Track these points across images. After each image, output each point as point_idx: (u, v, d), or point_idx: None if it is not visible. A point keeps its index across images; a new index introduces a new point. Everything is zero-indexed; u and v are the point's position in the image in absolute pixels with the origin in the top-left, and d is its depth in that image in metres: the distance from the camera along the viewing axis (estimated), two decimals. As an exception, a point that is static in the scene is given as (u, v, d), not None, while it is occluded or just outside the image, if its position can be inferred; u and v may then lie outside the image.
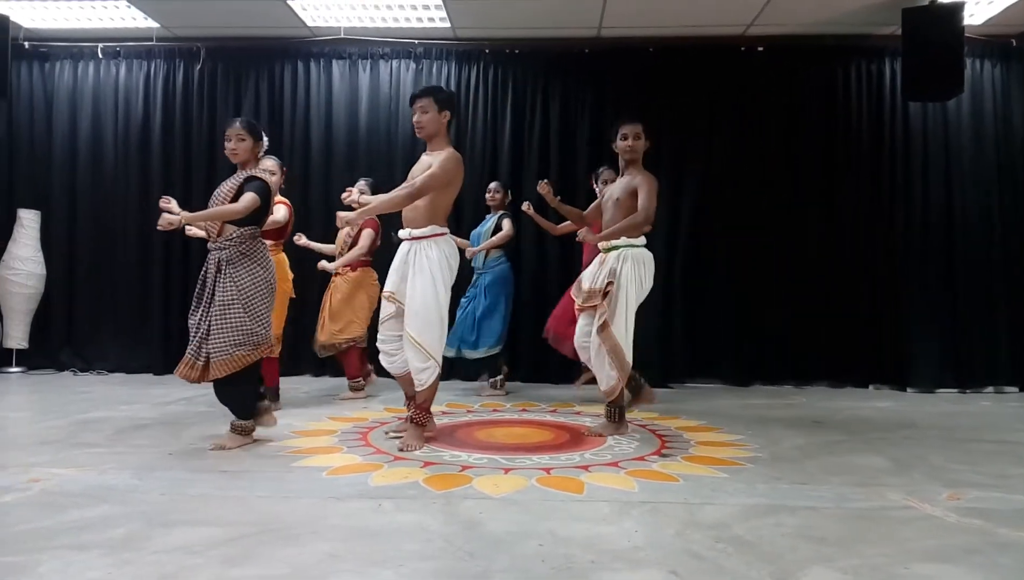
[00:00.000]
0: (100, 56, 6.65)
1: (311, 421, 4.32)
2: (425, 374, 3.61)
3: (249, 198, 3.50)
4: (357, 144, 6.52)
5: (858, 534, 2.40)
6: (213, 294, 3.47)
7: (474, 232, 5.66)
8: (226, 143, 3.68)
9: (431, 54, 6.55)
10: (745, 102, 6.36)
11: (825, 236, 6.27)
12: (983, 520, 2.53)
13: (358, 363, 5.31)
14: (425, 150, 3.81)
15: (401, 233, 3.76)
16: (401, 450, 3.53)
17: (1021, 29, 6.15)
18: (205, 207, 3.65)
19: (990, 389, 6.08)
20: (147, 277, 6.57)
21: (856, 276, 6.24)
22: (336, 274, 5.21)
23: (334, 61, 6.59)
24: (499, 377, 5.56)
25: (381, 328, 3.82)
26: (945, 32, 5.37)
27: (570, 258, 6.04)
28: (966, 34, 5.51)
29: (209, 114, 6.62)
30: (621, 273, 3.89)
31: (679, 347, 6.29)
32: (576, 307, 4.21)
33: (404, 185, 3.73)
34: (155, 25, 6.33)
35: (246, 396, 3.61)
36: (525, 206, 5.10)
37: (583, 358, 4.30)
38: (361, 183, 5.25)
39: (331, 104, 6.58)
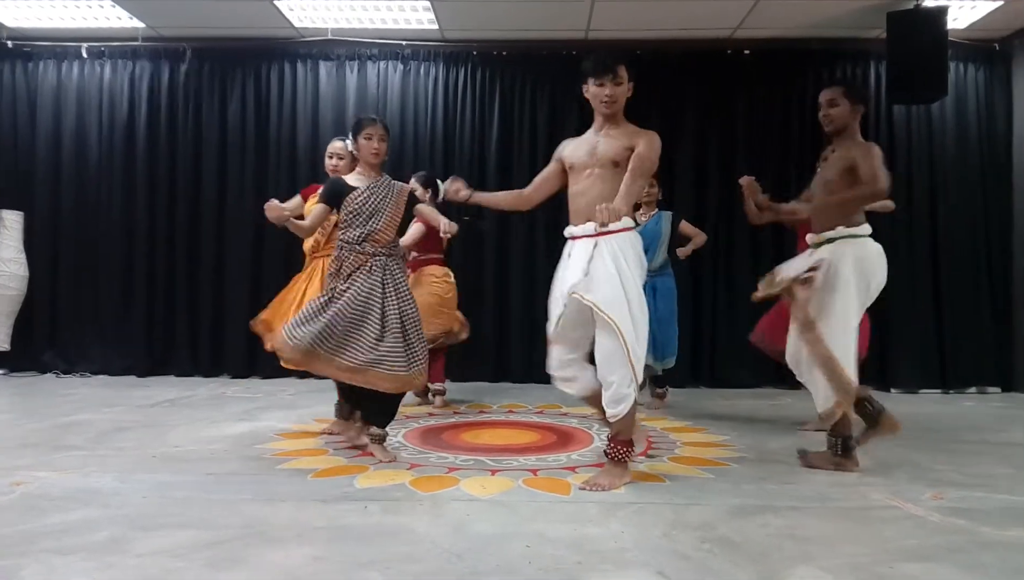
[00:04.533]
0: (85, 56, 6.59)
1: (296, 423, 4.30)
2: (629, 398, 2.89)
3: (431, 209, 3.58)
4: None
5: (843, 534, 2.41)
6: (398, 300, 3.36)
7: (643, 229, 4.89)
8: (365, 141, 3.45)
9: (419, 55, 6.55)
10: (732, 105, 6.39)
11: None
12: (966, 519, 2.55)
13: (441, 368, 5.05)
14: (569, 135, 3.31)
15: (577, 230, 3.05)
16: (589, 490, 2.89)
17: (1004, 33, 6.22)
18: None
19: (973, 389, 6.14)
20: (131, 279, 6.52)
21: (841, 278, 6.27)
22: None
23: (321, 62, 6.57)
24: (667, 387, 5.17)
25: (564, 344, 3.06)
26: (929, 36, 5.42)
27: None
28: (950, 38, 5.57)
29: (195, 115, 6.58)
30: (839, 270, 3.17)
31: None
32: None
33: (593, 172, 3.09)
34: (140, 25, 6.29)
35: (396, 406, 3.54)
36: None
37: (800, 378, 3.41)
38: (413, 181, 4.96)
39: (318, 105, 6.55)
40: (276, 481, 3.03)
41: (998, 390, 6.11)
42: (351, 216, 3.44)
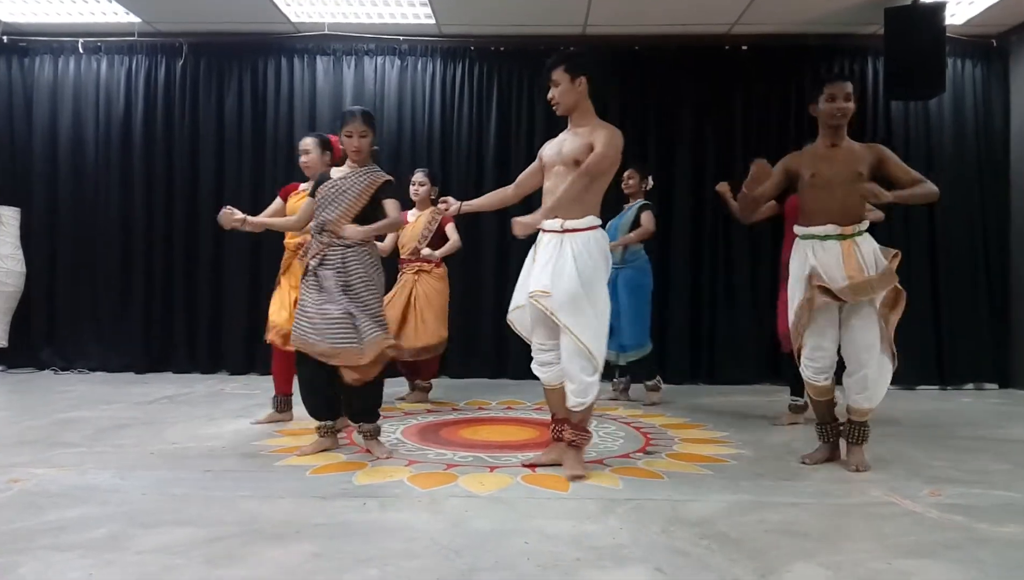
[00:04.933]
0: (81, 51, 6.56)
1: (294, 420, 4.29)
2: (586, 390, 3.03)
3: (396, 205, 3.44)
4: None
5: (840, 530, 2.42)
6: (350, 289, 3.32)
7: (610, 224, 4.98)
8: (345, 139, 3.42)
9: (416, 51, 6.53)
10: (729, 101, 6.39)
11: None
12: (963, 516, 2.56)
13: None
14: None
15: (548, 224, 3.14)
16: (569, 479, 3.02)
17: (1001, 29, 6.22)
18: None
19: (970, 386, 6.14)
20: (129, 275, 6.50)
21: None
22: (418, 271, 4.87)
23: (318, 57, 6.55)
24: (657, 379, 5.17)
25: (534, 335, 3.24)
26: (927, 32, 5.41)
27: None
28: (947, 34, 5.56)
29: (191, 110, 6.55)
30: (878, 260, 3.25)
31: (673, 346, 6.31)
32: (819, 303, 3.21)
33: (558, 170, 3.17)
34: (136, 20, 6.26)
35: (380, 392, 3.51)
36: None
37: (822, 380, 3.36)
38: (419, 174, 5.07)
39: (315, 101, 6.53)
40: (274, 478, 3.03)
41: (995, 387, 6.12)
42: (318, 206, 3.45)
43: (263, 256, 6.41)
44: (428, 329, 4.80)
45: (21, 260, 6.43)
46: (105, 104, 6.58)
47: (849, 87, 3.27)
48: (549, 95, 3.21)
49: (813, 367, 3.31)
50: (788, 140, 6.34)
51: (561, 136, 3.26)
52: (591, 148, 3.07)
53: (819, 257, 3.24)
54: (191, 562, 2.06)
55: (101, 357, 6.44)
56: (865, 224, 3.32)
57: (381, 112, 6.47)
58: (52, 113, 6.59)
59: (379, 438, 3.50)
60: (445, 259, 5.02)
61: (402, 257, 5.00)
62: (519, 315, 3.27)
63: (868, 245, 3.28)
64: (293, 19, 6.21)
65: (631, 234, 5.03)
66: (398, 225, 3.72)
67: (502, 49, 6.48)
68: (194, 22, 6.29)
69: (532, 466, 3.23)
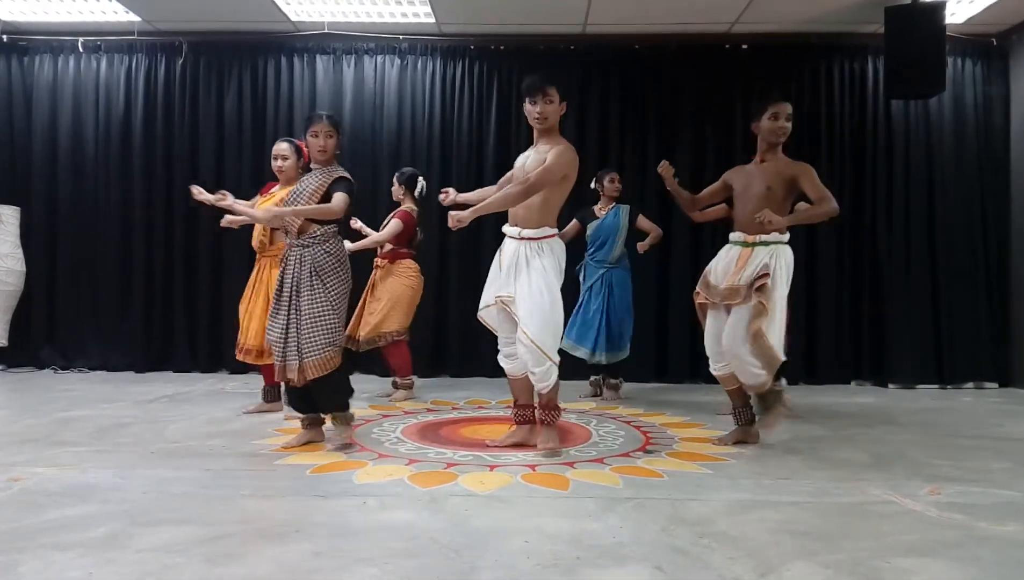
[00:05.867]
0: (80, 50, 6.55)
1: (295, 418, 4.29)
2: (547, 375, 3.40)
3: (342, 199, 3.43)
4: (343, 133, 6.47)
5: (840, 529, 2.42)
6: (299, 295, 3.41)
7: (597, 225, 5.22)
8: (310, 139, 3.55)
9: (416, 50, 6.52)
10: (730, 100, 6.38)
11: (807, 232, 6.31)
12: (963, 515, 2.56)
13: (409, 359, 5.17)
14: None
15: (508, 230, 3.56)
16: (546, 455, 3.38)
17: (1001, 28, 6.21)
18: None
19: (970, 385, 6.14)
20: (129, 274, 6.49)
21: (837, 272, 6.28)
22: (376, 267, 5.12)
23: (318, 56, 6.54)
24: (620, 378, 5.32)
25: (500, 329, 3.61)
26: (927, 30, 5.41)
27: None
28: (947, 33, 5.56)
29: (191, 109, 6.54)
30: (777, 270, 3.55)
31: (673, 345, 6.31)
32: (700, 303, 3.83)
33: (517, 181, 3.50)
34: (136, 19, 6.26)
35: (344, 388, 3.59)
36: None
37: (718, 369, 3.75)
38: (395, 178, 5.23)
39: (315, 100, 6.51)
40: (274, 476, 3.03)
41: (995, 385, 6.11)
42: (287, 204, 3.57)
43: (263, 255, 6.42)
44: (373, 319, 4.95)
45: (21, 259, 6.42)
46: (105, 103, 6.57)
47: (790, 108, 3.68)
48: (539, 109, 3.46)
49: (711, 357, 3.77)
50: (788, 139, 6.34)
51: (530, 150, 3.59)
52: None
53: (720, 260, 3.76)
54: (191, 561, 2.07)
55: (101, 356, 6.43)
56: (775, 236, 3.62)
57: (381, 111, 6.47)
58: (52, 112, 6.58)
59: (350, 424, 3.63)
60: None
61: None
62: (488, 313, 3.63)
63: (763, 255, 3.59)
64: (293, 18, 6.21)
65: (654, 234, 5.28)
66: (327, 212, 3.46)
67: (502, 48, 6.47)
68: (194, 21, 6.28)
69: (499, 446, 3.55)
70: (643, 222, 5.30)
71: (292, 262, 3.47)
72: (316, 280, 3.42)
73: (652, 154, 6.35)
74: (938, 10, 5.42)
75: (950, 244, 6.24)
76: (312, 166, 3.66)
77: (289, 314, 3.43)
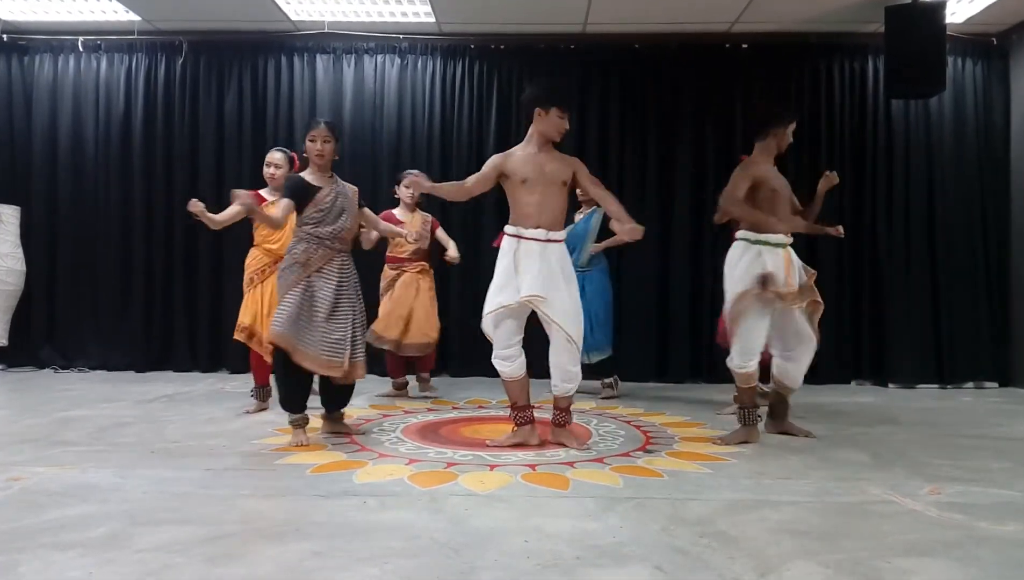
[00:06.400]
0: (81, 50, 6.56)
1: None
2: (578, 375, 3.59)
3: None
4: (341, 139, 6.46)
5: (840, 528, 2.42)
6: (352, 299, 3.68)
7: (570, 231, 5.04)
8: (308, 144, 3.66)
9: (416, 49, 6.52)
10: (730, 100, 6.38)
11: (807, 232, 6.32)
12: (963, 514, 2.56)
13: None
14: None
15: (535, 233, 3.52)
16: (584, 451, 3.53)
17: (1001, 28, 6.21)
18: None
19: (970, 384, 6.14)
20: (129, 273, 6.50)
21: (838, 272, 6.28)
22: (405, 271, 5.08)
23: (318, 56, 6.54)
24: (615, 377, 5.36)
25: (501, 331, 3.57)
26: (927, 30, 5.41)
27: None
28: (948, 32, 5.56)
29: (191, 109, 6.55)
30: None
31: (673, 345, 6.31)
32: (755, 296, 3.65)
33: (595, 185, 3.75)
34: (136, 18, 6.26)
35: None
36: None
37: (750, 366, 3.72)
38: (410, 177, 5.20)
39: (315, 99, 6.52)
40: (275, 476, 3.03)
41: (995, 385, 6.11)
42: (322, 214, 3.63)
43: (263, 254, 6.43)
44: (431, 325, 5.10)
45: (21, 258, 6.42)
46: (105, 102, 6.57)
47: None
48: (566, 125, 3.63)
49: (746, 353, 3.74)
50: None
51: (533, 155, 3.59)
52: (572, 173, 3.64)
53: (770, 262, 3.71)
54: (191, 560, 2.06)
55: (101, 355, 6.44)
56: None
57: (381, 111, 6.47)
58: (52, 112, 6.59)
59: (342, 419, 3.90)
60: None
61: (402, 257, 5.11)
62: (497, 315, 3.55)
63: (793, 255, 3.80)
64: (293, 17, 6.21)
65: (615, 238, 5.15)
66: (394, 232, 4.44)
67: (502, 47, 6.47)
68: (194, 20, 6.29)
69: (499, 447, 3.58)
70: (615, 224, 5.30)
71: (346, 268, 3.68)
72: (358, 286, 3.75)
73: (652, 154, 6.36)
74: (938, 10, 5.42)
75: (950, 244, 6.24)
76: (310, 169, 3.72)
77: (347, 317, 3.61)
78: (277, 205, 3.71)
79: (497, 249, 3.66)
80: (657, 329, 6.32)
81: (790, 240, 3.78)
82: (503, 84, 6.49)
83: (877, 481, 3.01)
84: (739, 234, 3.82)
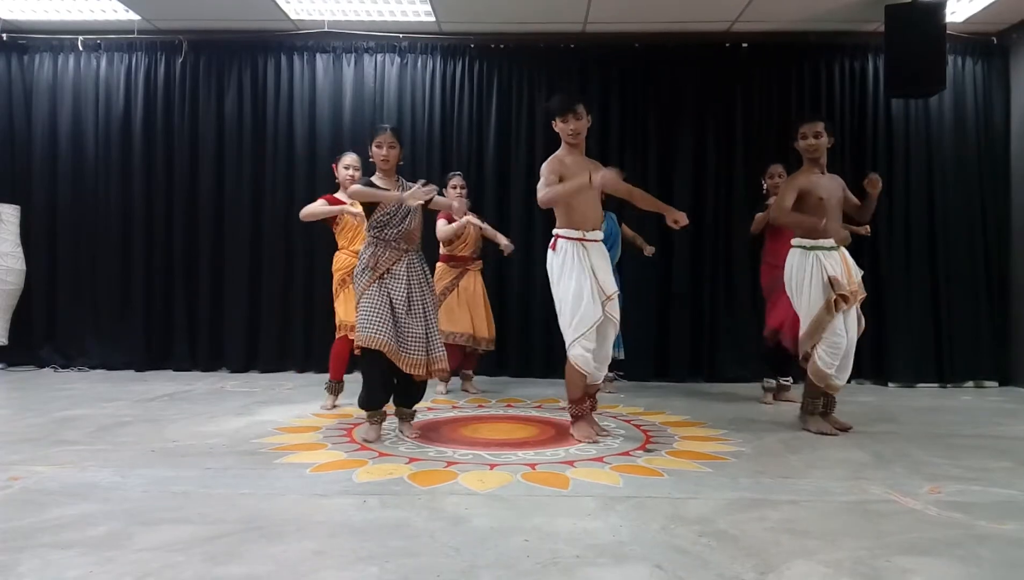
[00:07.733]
0: (80, 49, 6.56)
1: (296, 417, 4.30)
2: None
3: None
4: (341, 139, 6.45)
5: (840, 527, 2.42)
6: (427, 298, 3.77)
7: (607, 229, 5.15)
8: (375, 149, 3.80)
9: (416, 48, 6.52)
10: (730, 99, 6.38)
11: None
12: (963, 513, 2.56)
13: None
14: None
15: (596, 235, 3.80)
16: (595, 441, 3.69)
17: (1002, 27, 6.21)
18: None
19: (970, 383, 6.14)
20: (129, 273, 6.50)
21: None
22: (468, 270, 5.32)
23: (318, 55, 6.54)
24: (612, 374, 5.53)
25: (588, 335, 3.65)
26: (927, 29, 5.41)
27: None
28: (948, 31, 5.56)
29: (191, 108, 6.55)
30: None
31: (674, 345, 6.31)
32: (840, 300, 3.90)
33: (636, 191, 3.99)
34: (136, 17, 6.26)
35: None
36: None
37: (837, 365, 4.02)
38: (459, 178, 5.34)
39: (315, 98, 6.52)
40: (275, 475, 3.03)
41: (995, 384, 6.11)
42: (388, 216, 3.73)
43: (263, 254, 6.43)
44: (492, 321, 5.41)
45: (21, 258, 6.43)
46: (105, 102, 6.57)
47: (819, 126, 4.08)
48: (573, 127, 3.72)
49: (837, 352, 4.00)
50: (787, 137, 6.33)
51: (579, 160, 3.77)
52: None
53: (831, 266, 3.96)
54: (191, 560, 2.07)
55: (101, 355, 6.44)
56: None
57: (381, 110, 6.47)
58: (52, 111, 6.59)
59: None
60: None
61: (463, 256, 5.33)
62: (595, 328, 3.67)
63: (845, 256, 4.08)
64: (293, 16, 6.21)
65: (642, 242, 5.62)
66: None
67: (502, 47, 6.47)
68: (194, 20, 6.29)
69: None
70: (627, 230, 5.58)
71: (415, 267, 3.77)
72: (431, 283, 3.88)
73: (652, 153, 6.36)
74: (938, 9, 5.42)
75: (950, 242, 6.24)
76: (377, 173, 3.84)
77: (423, 315, 3.72)
78: (383, 195, 3.76)
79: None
80: (657, 329, 6.31)
81: (838, 242, 4.02)
82: (503, 83, 6.49)
83: (877, 480, 3.01)
84: (794, 241, 4.07)
